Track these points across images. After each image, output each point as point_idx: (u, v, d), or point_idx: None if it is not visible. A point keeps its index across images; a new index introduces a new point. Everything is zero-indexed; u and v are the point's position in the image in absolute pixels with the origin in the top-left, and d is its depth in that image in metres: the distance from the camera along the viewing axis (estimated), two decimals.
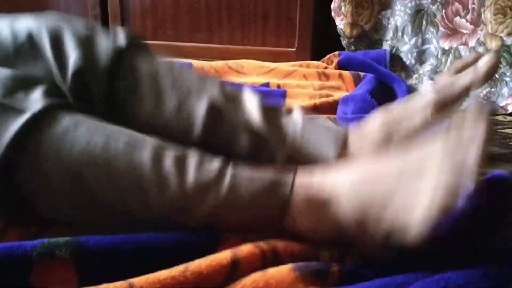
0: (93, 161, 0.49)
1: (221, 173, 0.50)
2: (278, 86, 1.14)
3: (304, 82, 1.18)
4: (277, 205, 0.49)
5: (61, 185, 0.49)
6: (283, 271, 0.44)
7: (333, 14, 1.41)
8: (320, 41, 1.53)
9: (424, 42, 1.31)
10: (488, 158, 0.42)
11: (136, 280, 0.41)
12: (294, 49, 1.47)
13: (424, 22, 1.30)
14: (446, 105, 0.63)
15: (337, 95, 1.08)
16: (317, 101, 1.03)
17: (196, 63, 1.26)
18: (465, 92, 0.64)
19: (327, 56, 1.35)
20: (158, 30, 1.58)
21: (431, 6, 1.28)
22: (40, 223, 0.53)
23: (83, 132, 0.50)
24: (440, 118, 0.63)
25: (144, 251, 0.46)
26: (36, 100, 0.50)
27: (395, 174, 0.46)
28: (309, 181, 0.50)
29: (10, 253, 0.44)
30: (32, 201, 0.51)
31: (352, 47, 1.41)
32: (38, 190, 0.50)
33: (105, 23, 1.63)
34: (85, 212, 0.51)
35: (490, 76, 0.63)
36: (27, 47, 0.60)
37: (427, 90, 0.66)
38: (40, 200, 0.51)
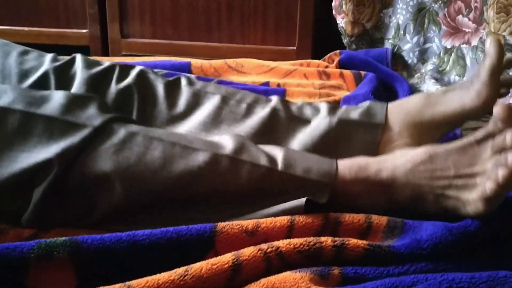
0: (151, 168, 0.54)
1: (275, 152, 0.57)
2: (278, 85, 1.14)
3: (304, 81, 1.17)
4: (326, 173, 0.54)
5: (121, 188, 0.53)
6: (286, 273, 0.43)
7: (334, 12, 1.41)
8: (321, 39, 1.52)
9: (426, 40, 1.30)
10: None
11: (135, 283, 0.41)
12: (295, 47, 1.46)
13: (426, 21, 1.29)
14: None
15: (338, 94, 1.07)
16: (317, 100, 1.02)
17: (195, 62, 1.25)
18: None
19: (328, 55, 1.34)
20: (157, 29, 1.57)
21: (433, 5, 1.28)
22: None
23: (140, 141, 0.55)
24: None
25: (141, 248, 0.45)
26: (93, 115, 0.56)
27: (453, 158, 0.52)
28: (365, 164, 0.55)
29: (7, 254, 0.43)
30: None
31: (353, 46, 1.40)
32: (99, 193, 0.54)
33: (103, 22, 1.62)
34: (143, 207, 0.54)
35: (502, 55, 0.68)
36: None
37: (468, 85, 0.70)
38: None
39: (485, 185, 0.48)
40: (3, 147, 0.54)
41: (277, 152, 0.57)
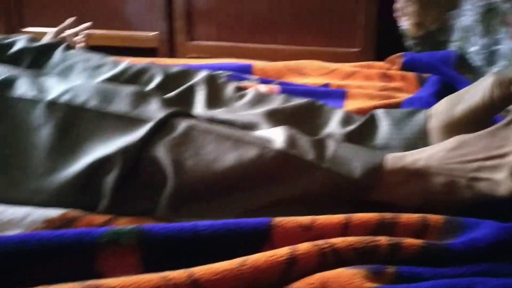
0: (205, 161, 0.57)
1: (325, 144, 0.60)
2: (339, 86, 1.13)
3: (365, 83, 1.16)
4: (370, 173, 0.56)
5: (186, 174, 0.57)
6: (340, 268, 0.44)
7: (397, 14, 1.39)
8: (385, 41, 1.51)
9: (494, 43, 1.26)
10: None
11: (196, 270, 0.43)
12: (358, 49, 1.45)
13: (494, 22, 1.25)
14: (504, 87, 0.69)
15: (400, 97, 1.06)
16: (378, 102, 1.01)
17: (257, 63, 1.27)
18: None
19: (391, 57, 1.32)
20: (222, 32, 1.61)
21: (502, 5, 1.23)
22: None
23: (196, 135, 0.59)
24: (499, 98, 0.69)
25: (201, 238, 0.48)
26: (156, 110, 0.61)
27: (482, 142, 0.54)
28: (402, 155, 0.58)
29: (79, 239, 0.46)
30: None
31: (417, 48, 1.37)
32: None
33: (170, 23, 1.68)
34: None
35: None
36: None
37: (487, 75, 0.71)
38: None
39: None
40: (78, 143, 0.59)
41: (328, 145, 0.59)
